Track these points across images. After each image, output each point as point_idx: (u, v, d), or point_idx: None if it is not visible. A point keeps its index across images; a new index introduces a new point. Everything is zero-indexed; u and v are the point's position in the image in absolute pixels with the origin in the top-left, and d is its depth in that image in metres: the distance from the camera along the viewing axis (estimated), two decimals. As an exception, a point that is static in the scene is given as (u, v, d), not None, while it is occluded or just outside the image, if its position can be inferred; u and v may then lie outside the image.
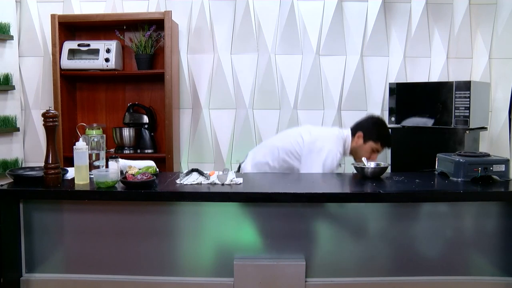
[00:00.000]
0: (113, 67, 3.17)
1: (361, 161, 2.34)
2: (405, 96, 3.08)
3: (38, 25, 3.37)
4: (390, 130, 3.15)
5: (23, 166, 3.36)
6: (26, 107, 3.43)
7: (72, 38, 3.35)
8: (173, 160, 3.18)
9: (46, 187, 1.91)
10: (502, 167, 2.04)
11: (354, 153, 2.56)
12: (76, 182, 1.98)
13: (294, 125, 3.30)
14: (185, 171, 2.16)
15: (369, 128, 2.52)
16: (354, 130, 2.55)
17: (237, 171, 2.56)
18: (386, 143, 2.55)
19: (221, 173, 2.07)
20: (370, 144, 2.50)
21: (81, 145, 1.99)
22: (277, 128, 3.38)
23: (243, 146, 3.38)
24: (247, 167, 2.56)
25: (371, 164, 2.23)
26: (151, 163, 2.22)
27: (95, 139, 2.14)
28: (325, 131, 2.63)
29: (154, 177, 1.94)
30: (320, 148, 2.41)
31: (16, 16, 3.31)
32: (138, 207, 1.95)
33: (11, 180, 2.03)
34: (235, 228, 1.97)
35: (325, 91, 3.36)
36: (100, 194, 1.88)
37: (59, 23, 3.14)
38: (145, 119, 3.31)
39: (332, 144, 2.45)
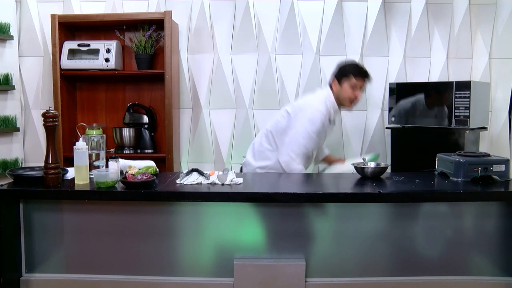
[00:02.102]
0: (113, 67, 3.17)
1: (350, 106, 2.49)
2: (405, 96, 3.08)
3: (38, 25, 3.37)
4: (391, 129, 3.16)
5: (23, 166, 3.36)
6: (26, 107, 3.43)
7: (72, 38, 3.35)
8: (173, 160, 3.18)
9: (46, 187, 1.91)
10: (502, 167, 2.04)
11: (340, 101, 2.51)
12: (76, 182, 1.98)
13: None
14: (185, 171, 2.16)
15: (338, 71, 2.53)
16: (330, 83, 2.56)
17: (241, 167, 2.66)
18: (358, 73, 2.48)
19: (221, 173, 2.07)
20: (346, 83, 2.47)
21: (81, 145, 1.99)
22: (277, 128, 3.37)
23: (243, 146, 3.37)
24: (249, 159, 2.60)
25: (371, 164, 2.23)
26: (151, 163, 2.22)
27: (95, 139, 2.14)
28: (307, 97, 2.64)
29: (154, 177, 1.94)
30: (303, 108, 2.47)
31: (16, 16, 3.31)
32: (138, 207, 1.95)
33: (11, 180, 2.03)
34: (235, 228, 1.97)
35: (325, 91, 3.36)
36: (100, 194, 1.88)
37: (59, 23, 3.14)
38: (145, 119, 3.31)
39: (315, 102, 2.48)
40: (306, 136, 2.37)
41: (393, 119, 3.10)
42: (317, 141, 2.45)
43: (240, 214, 1.97)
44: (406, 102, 3.04)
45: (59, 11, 3.33)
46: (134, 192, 1.86)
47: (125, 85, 3.43)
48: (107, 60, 3.15)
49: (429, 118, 2.92)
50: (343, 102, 2.51)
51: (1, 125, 3.18)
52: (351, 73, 2.47)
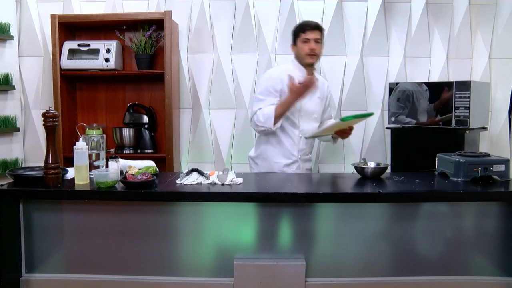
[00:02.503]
0: (113, 67, 3.17)
1: (312, 61, 2.51)
2: (405, 96, 3.07)
3: (38, 25, 3.37)
4: (391, 129, 3.16)
5: (23, 166, 3.36)
6: (26, 107, 3.43)
7: (72, 38, 3.35)
8: (173, 160, 3.18)
9: (46, 187, 1.91)
10: (502, 167, 2.04)
11: (299, 59, 2.57)
12: (76, 182, 1.98)
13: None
14: (185, 171, 2.16)
15: (292, 37, 2.60)
16: (292, 51, 2.62)
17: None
18: (303, 26, 2.54)
19: (221, 173, 2.07)
20: (298, 41, 2.53)
21: (81, 145, 1.99)
22: (277, 128, 3.38)
23: (243, 146, 3.38)
24: (252, 154, 2.72)
25: (371, 164, 2.23)
26: (151, 163, 2.22)
27: (95, 139, 2.14)
28: None
29: (154, 177, 1.94)
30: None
31: (16, 16, 3.31)
32: (138, 207, 1.95)
33: (11, 180, 2.03)
34: (235, 228, 1.97)
35: (325, 91, 3.36)
36: (100, 194, 1.88)
37: (59, 23, 3.14)
38: (145, 119, 3.31)
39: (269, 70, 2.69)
40: (255, 99, 2.56)
41: (393, 119, 3.11)
42: (269, 101, 2.48)
43: (240, 214, 1.97)
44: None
45: (59, 11, 3.33)
46: (134, 192, 1.86)
47: (125, 85, 3.43)
48: (107, 60, 3.15)
49: (429, 118, 2.92)
50: (304, 60, 2.53)
51: (1, 125, 3.18)
52: (299, 31, 2.53)
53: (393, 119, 3.11)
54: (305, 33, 2.51)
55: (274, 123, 2.44)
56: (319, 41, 2.53)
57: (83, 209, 1.96)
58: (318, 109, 2.65)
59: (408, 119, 3.00)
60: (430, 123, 2.89)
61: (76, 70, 3.19)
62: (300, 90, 2.37)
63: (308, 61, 2.53)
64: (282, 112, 2.45)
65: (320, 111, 2.67)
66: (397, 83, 3.10)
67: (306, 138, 2.55)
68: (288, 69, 2.57)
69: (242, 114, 3.37)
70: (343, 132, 2.54)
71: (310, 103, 2.58)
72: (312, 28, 2.52)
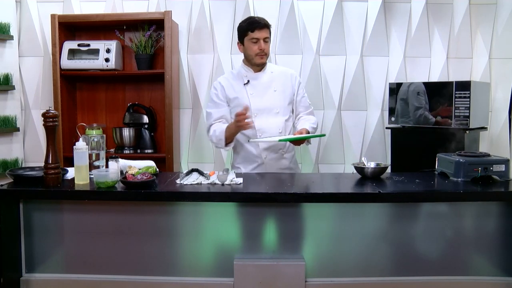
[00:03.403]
0: (113, 67, 3.17)
1: (261, 61, 2.44)
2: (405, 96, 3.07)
3: (38, 25, 3.37)
4: (391, 129, 3.16)
5: (23, 166, 3.36)
6: (26, 107, 3.43)
7: (72, 38, 3.35)
8: (173, 160, 3.18)
9: (46, 187, 1.91)
10: (502, 167, 2.04)
11: (248, 59, 2.49)
12: (76, 182, 1.98)
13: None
14: (185, 171, 2.16)
15: (238, 34, 2.51)
16: (239, 49, 2.55)
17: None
18: (251, 25, 2.42)
19: (221, 173, 2.07)
20: (246, 41, 2.44)
21: (81, 145, 1.99)
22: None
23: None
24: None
25: (371, 164, 2.23)
26: (151, 163, 2.22)
27: (95, 139, 2.14)
28: None
29: (154, 177, 1.94)
30: None
31: (16, 16, 3.31)
32: (138, 207, 1.95)
33: (11, 180, 2.03)
34: (235, 228, 1.97)
35: (325, 91, 3.36)
36: (100, 194, 1.88)
37: (59, 23, 3.14)
38: (145, 119, 3.31)
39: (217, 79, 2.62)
40: (207, 107, 2.57)
41: (393, 119, 3.11)
42: (216, 112, 2.49)
43: (240, 214, 1.97)
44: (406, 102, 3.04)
45: (59, 11, 3.33)
46: (134, 192, 1.86)
47: (125, 85, 3.43)
48: (107, 60, 3.15)
49: (429, 118, 2.92)
50: (253, 60, 2.46)
51: (1, 125, 3.18)
52: (246, 29, 2.43)
53: (393, 119, 3.10)
54: (254, 32, 2.41)
55: (226, 145, 2.45)
56: (267, 40, 2.45)
57: (83, 209, 1.96)
58: (279, 103, 2.49)
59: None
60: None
61: (76, 70, 3.19)
62: (238, 127, 2.33)
63: (258, 61, 2.46)
64: (230, 136, 2.43)
65: (283, 105, 2.50)
66: (397, 83, 3.10)
67: (249, 141, 2.47)
68: (234, 73, 2.57)
69: (242, 114, 3.36)
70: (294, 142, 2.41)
71: (263, 100, 2.48)
72: (261, 27, 2.41)
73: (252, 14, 3.29)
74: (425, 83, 2.96)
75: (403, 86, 3.05)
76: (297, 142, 2.37)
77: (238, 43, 2.52)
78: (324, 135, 2.37)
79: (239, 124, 2.30)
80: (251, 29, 2.42)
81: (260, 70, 2.53)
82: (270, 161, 2.51)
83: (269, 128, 2.47)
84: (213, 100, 2.53)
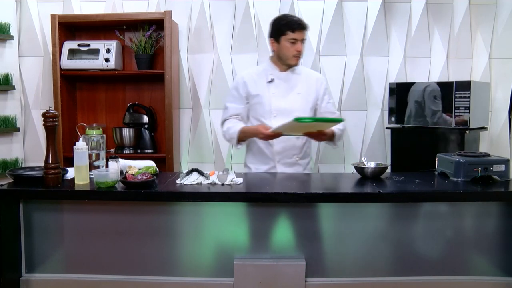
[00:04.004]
0: (113, 67, 3.17)
1: (296, 62, 2.38)
2: (405, 96, 3.08)
3: (38, 25, 3.37)
4: (391, 129, 3.16)
5: (23, 166, 3.36)
6: (26, 107, 3.43)
7: (72, 38, 3.35)
8: (173, 160, 3.18)
9: (46, 187, 1.91)
10: (502, 167, 2.04)
11: (281, 58, 2.41)
12: (76, 182, 1.98)
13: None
14: (185, 171, 2.16)
15: (272, 30, 2.42)
16: (270, 44, 2.47)
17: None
18: (292, 25, 2.34)
19: (221, 173, 2.07)
20: (283, 39, 2.36)
21: (81, 145, 1.99)
22: (277, 128, 3.37)
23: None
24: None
25: (371, 164, 2.23)
26: (151, 163, 2.22)
27: (95, 139, 2.14)
28: None
29: (154, 177, 1.94)
30: None
31: (16, 16, 3.31)
32: (138, 207, 1.95)
33: (11, 180, 2.03)
34: (235, 228, 1.97)
35: (325, 91, 3.36)
36: (100, 194, 1.88)
37: (59, 23, 3.14)
38: (145, 119, 3.31)
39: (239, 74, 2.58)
40: (227, 100, 2.52)
41: (393, 119, 3.11)
42: (233, 108, 2.46)
43: (240, 214, 1.97)
44: (406, 102, 3.04)
45: (59, 11, 3.33)
46: (134, 192, 1.86)
47: (125, 85, 3.43)
48: (107, 60, 3.15)
49: (429, 118, 2.92)
50: (288, 61, 2.39)
51: (1, 125, 3.18)
52: (286, 29, 2.34)
53: (393, 119, 3.10)
54: (294, 33, 2.33)
55: (237, 144, 2.43)
56: (304, 42, 2.39)
57: (83, 209, 1.96)
58: (300, 106, 2.41)
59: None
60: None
61: (76, 70, 3.19)
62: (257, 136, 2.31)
63: (293, 62, 2.40)
64: (244, 138, 2.41)
65: (305, 109, 2.43)
66: (397, 83, 3.10)
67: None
68: (259, 70, 2.51)
69: (242, 114, 3.36)
70: (311, 134, 2.26)
71: (284, 101, 2.41)
72: (302, 28, 2.35)
73: (252, 14, 3.29)
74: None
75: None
76: (317, 136, 2.27)
77: (271, 39, 2.43)
78: (342, 120, 2.26)
79: (261, 137, 2.28)
80: (291, 29, 2.33)
81: (286, 70, 2.45)
82: (282, 165, 2.45)
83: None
84: (233, 94, 2.49)
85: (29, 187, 1.93)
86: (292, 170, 2.44)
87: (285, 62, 2.41)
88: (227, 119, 2.48)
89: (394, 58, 3.37)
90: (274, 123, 2.32)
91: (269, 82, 2.44)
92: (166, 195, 1.89)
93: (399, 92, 3.10)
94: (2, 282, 1.90)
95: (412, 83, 3.05)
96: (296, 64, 2.43)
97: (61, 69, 3.17)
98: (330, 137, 2.35)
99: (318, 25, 3.31)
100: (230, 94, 2.52)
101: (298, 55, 2.38)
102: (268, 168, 2.46)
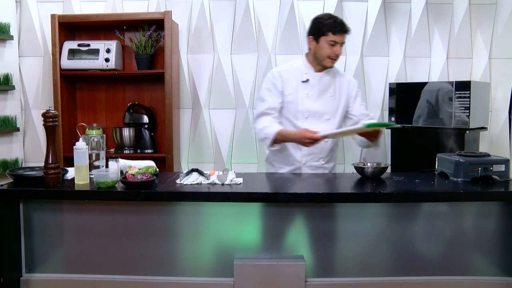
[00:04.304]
0: (113, 67, 3.17)
1: (331, 64, 2.34)
2: (405, 96, 3.08)
3: (38, 25, 3.37)
4: (391, 129, 3.16)
5: (23, 166, 3.36)
6: (26, 107, 3.43)
7: (72, 38, 3.35)
8: (173, 160, 3.18)
9: (46, 187, 1.90)
10: (502, 167, 2.04)
11: (317, 58, 2.37)
12: (76, 182, 1.98)
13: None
14: (185, 171, 2.16)
15: (312, 28, 2.38)
16: (308, 42, 2.43)
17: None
18: (334, 26, 2.30)
19: (221, 173, 2.07)
20: (323, 40, 2.32)
21: (81, 145, 1.99)
22: (277, 128, 3.37)
23: (243, 146, 3.38)
24: (266, 155, 2.62)
25: (371, 164, 2.22)
26: (151, 163, 2.22)
27: (95, 139, 2.14)
28: None
29: (154, 177, 1.94)
30: None
31: (16, 16, 3.31)
32: (138, 207, 1.95)
33: (11, 180, 2.03)
34: (235, 228, 1.97)
35: (325, 91, 3.36)
36: (100, 194, 1.88)
37: (59, 23, 3.14)
38: (145, 119, 3.31)
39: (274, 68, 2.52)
40: (258, 98, 2.45)
41: (393, 119, 3.11)
42: (270, 101, 2.38)
43: (240, 214, 1.97)
44: (406, 102, 3.04)
45: (59, 11, 3.33)
46: (134, 192, 1.86)
47: (125, 85, 3.43)
48: (107, 60, 3.15)
49: (429, 118, 2.92)
50: (324, 62, 2.35)
51: (1, 125, 3.18)
52: (328, 30, 2.30)
53: (393, 119, 3.10)
54: (335, 35, 2.29)
55: (271, 145, 2.34)
56: (343, 45, 2.37)
57: (83, 209, 1.96)
58: (331, 109, 2.41)
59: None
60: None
61: (76, 70, 3.19)
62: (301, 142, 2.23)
63: (328, 64, 2.35)
64: (281, 141, 2.33)
65: (336, 112, 2.42)
66: (397, 83, 3.10)
67: (324, 137, 2.24)
68: (294, 67, 2.44)
69: (242, 114, 3.37)
70: (369, 134, 2.25)
71: (316, 103, 2.39)
72: (344, 31, 2.32)
73: (252, 14, 3.29)
74: (425, 83, 2.93)
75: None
76: (372, 136, 2.27)
77: (309, 37, 2.39)
78: (391, 124, 2.27)
79: (306, 142, 2.20)
80: (333, 31, 2.30)
81: (321, 71, 2.41)
82: (308, 168, 2.43)
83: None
84: (269, 88, 2.40)
85: (29, 187, 1.93)
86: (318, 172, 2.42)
87: (321, 62, 2.37)
88: (263, 114, 2.38)
89: (394, 58, 3.37)
90: (305, 125, 2.32)
91: (304, 82, 2.39)
92: (166, 195, 1.89)
93: (399, 92, 3.10)
94: (2, 282, 1.90)
95: (413, 83, 3.05)
96: (331, 66, 2.39)
97: (61, 69, 3.17)
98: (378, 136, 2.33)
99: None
100: (265, 88, 2.42)
101: (335, 58, 2.34)
102: (293, 169, 2.43)
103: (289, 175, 2.37)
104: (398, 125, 2.26)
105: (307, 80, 2.39)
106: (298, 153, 2.41)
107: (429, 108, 2.95)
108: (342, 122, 2.48)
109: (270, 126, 2.33)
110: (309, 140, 2.19)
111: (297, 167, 2.44)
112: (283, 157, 2.46)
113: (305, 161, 2.42)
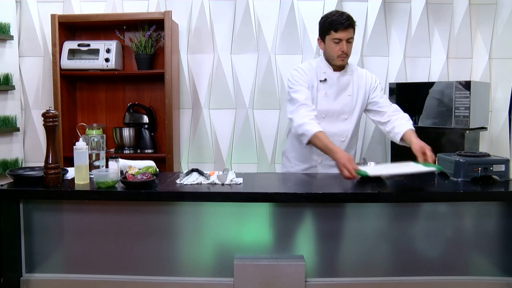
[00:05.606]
0: (113, 67, 3.17)
1: (342, 62, 2.31)
2: (405, 96, 3.08)
3: (38, 25, 3.37)
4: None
5: (23, 166, 3.36)
6: (26, 107, 3.43)
7: (72, 38, 3.35)
8: (173, 160, 3.18)
9: (46, 187, 1.91)
10: (502, 167, 2.04)
11: (328, 58, 2.36)
12: (76, 182, 1.98)
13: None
14: (185, 171, 2.16)
15: (319, 29, 2.37)
16: (318, 44, 2.41)
17: None
18: (335, 24, 2.26)
19: (221, 173, 2.07)
20: (328, 39, 2.31)
21: (81, 145, 1.99)
22: (277, 128, 3.37)
23: (243, 146, 3.38)
24: (284, 147, 2.63)
25: (371, 164, 2.22)
26: (151, 163, 2.22)
27: (95, 139, 2.14)
28: None
29: (154, 177, 1.94)
30: None
31: (16, 16, 3.31)
32: (138, 207, 1.95)
33: (11, 180, 2.03)
34: (235, 228, 1.97)
35: (325, 91, 3.36)
36: (100, 194, 1.88)
37: (59, 23, 3.14)
38: (145, 119, 3.31)
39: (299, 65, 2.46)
40: (291, 90, 2.36)
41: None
42: (304, 91, 2.31)
43: (240, 214, 1.97)
44: (406, 102, 3.04)
45: (59, 11, 3.33)
46: (134, 192, 1.86)
47: (125, 85, 3.43)
48: (107, 60, 3.15)
49: (429, 118, 2.92)
50: (333, 61, 2.34)
51: (1, 125, 3.18)
52: (329, 28, 2.28)
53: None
54: (337, 32, 2.26)
55: (306, 144, 2.25)
56: (351, 41, 2.30)
57: (83, 209, 1.96)
58: (349, 109, 2.38)
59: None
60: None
61: (76, 70, 3.19)
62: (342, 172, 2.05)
63: (339, 63, 2.33)
64: (315, 145, 2.23)
65: (354, 112, 2.40)
66: (397, 83, 3.09)
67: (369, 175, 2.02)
68: (313, 66, 2.41)
69: (242, 114, 3.37)
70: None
71: (334, 103, 2.37)
72: (346, 27, 2.25)
73: (252, 14, 3.29)
74: (425, 83, 2.93)
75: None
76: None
77: (318, 39, 2.39)
78: (439, 168, 2.07)
79: (343, 173, 2.04)
80: (334, 28, 2.27)
81: (340, 70, 2.39)
82: (323, 167, 2.42)
83: (334, 134, 2.34)
84: (299, 82, 2.33)
85: (29, 187, 1.93)
86: (333, 172, 2.34)
87: (331, 62, 2.36)
88: (302, 105, 2.28)
89: (394, 58, 3.37)
90: (322, 125, 2.25)
91: (322, 81, 2.37)
92: (166, 195, 1.89)
93: (399, 92, 3.10)
94: (2, 282, 1.90)
95: (413, 83, 3.05)
96: (342, 65, 2.36)
97: (61, 69, 3.17)
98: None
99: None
100: (294, 82, 2.35)
101: (343, 56, 2.30)
102: (308, 167, 2.43)
103: (289, 175, 2.37)
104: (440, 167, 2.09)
105: (325, 80, 2.37)
106: (315, 152, 2.39)
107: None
108: (359, 120, 2.45)
109: (310, 124, 2.22)
110: (346, 173, 2.02)
111: (312, 165, 2.43)
112: (301, 153, 2.44)
113: (320, 160, 2.41)
